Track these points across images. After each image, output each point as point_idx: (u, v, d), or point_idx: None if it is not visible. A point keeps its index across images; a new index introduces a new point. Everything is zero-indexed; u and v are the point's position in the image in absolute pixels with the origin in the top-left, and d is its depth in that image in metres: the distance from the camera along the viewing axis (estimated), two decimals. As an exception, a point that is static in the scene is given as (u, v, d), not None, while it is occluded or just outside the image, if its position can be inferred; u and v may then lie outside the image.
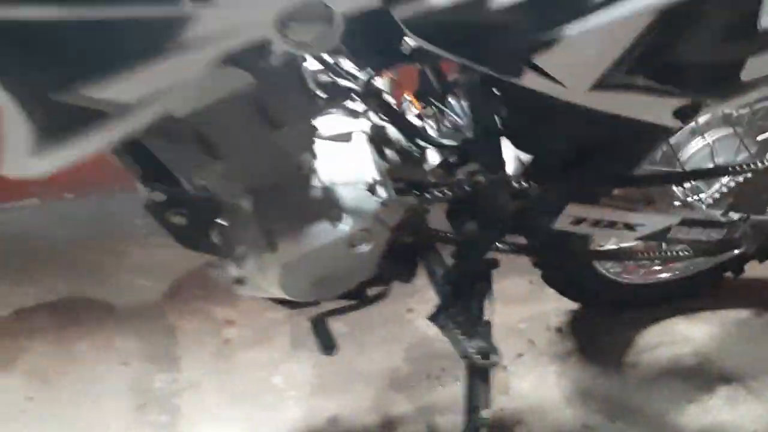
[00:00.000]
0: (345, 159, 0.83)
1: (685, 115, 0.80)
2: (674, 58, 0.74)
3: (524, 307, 1.42)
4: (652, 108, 0.79)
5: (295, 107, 0.73)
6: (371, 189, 0.81)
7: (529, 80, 0.71)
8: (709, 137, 1.15)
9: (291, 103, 0.72)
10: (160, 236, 0.85)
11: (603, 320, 1.42)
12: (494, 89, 0.82)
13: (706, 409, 1.22)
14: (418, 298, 1.36)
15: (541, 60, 0.69)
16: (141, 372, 1.25)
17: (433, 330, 1.27)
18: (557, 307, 1.44)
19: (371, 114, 0.88)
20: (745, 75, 0.76)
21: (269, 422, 1.17)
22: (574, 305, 1.43)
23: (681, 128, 0.99)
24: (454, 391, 1.24)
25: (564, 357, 1.34)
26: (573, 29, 0.66)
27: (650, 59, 0.72)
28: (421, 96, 0.95)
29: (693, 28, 0.71)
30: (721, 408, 1.23)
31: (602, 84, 0.73)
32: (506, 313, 1.31)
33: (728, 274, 1.43)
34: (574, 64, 0.70)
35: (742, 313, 1.46)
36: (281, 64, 0.66)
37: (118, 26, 0.56)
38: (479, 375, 0.96)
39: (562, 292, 1.36)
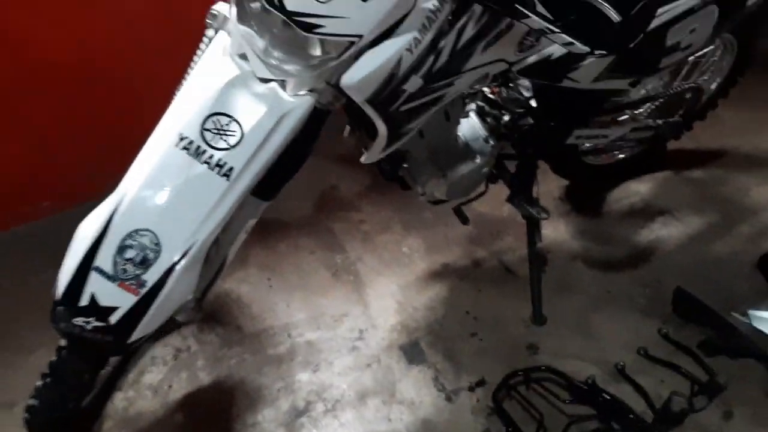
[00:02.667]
0: (469, 126, 1.64)
1: (633, 84, 1.64)
2: (629, 63, 1.56)
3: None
4: (619, 84, 1.61)
5: (458, 108, 1.52)
6: (486, 140, 1.63)
7: (564, 83, 1.51)
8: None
9: (457, 108, 1.51)
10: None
11: (588, 188, 2.31)
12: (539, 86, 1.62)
13: (652, 230, 2.13)
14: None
15: (571, 74, 1.49)
16: (324, 256, 2.07)
17: (484, 209, 2.15)
18: (557, 185, 2.31)
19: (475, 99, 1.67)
20: (661, 65, 1.59)
21: (409, 272, 2.02)
22: (567, 182, 2.31)
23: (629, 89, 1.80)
24: (509, 241, 2.12)
25: (567, 213, 2.22)
26: (586, 61, 1.46)
27: (619, 64, 1.53)
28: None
29: (634, 51, 1.51)
30: (660, 229, 2.14)
31: (597, 79, 1.54)
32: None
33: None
34: (586, 73, 1.50)
35: (669, 174, 2.37)
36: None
37: None
38: (535, 225, 1.82)
39: (561, 174, 2.22)
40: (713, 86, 2.18)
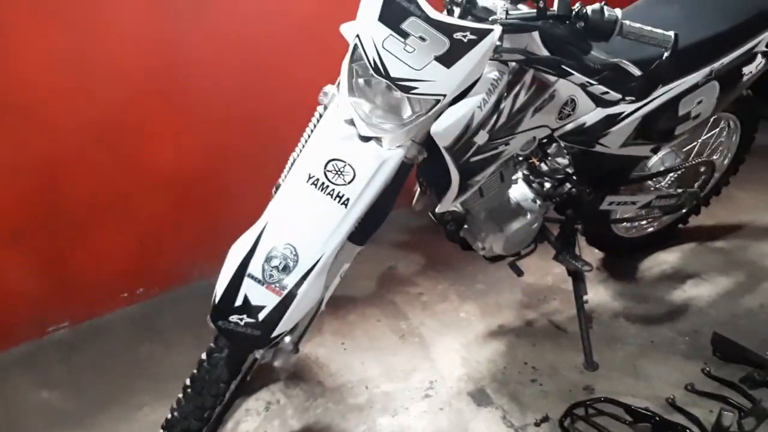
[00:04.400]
0: (519, 190, 1.94)
1: (655, 151, 1.96)
2: (655, 129, 1.88)
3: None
4: (642, 150, 1.93)
5: (510, 171, 1.83)
6: (534, 201, 1.93)
7: (596, 147, 1.83)
8: (660, 153, 2.29)
9: (509, 171, 1.82)
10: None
11: (620, 259, 2.57)
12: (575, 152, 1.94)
13: (684, 290, 2.36)
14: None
15: (602, 140, 1.81)
16: (390, 323, 2.31)
17: (530, 280, 2.40)
18: (593, 258, 2.57)
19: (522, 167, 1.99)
20: (677, 132, 1.92)
21: (468, 332, 2.25)
22: (602, 254, 2.57)
23: (651, 156, 2.12)
24: (556, 305, 2.35)
25: (605, 280, 2.46)
26: (615, 127, 1.78)
27: (641, 131, 1.85)
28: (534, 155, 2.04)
29: (654, 119, 1.85)
30: (691, 289, 2.37)
31: (623, 144, 1.86)
32: (570, 262, 2.43)
33: (680, 226, 2.61)
34: (615, 139, 1.82)
35: (693, 245, 2.63)
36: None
37: None
38: (580, 278, 2.07)
39: (597, 247, 2.49)
40: (725, 162, 2.49)
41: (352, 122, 1.46)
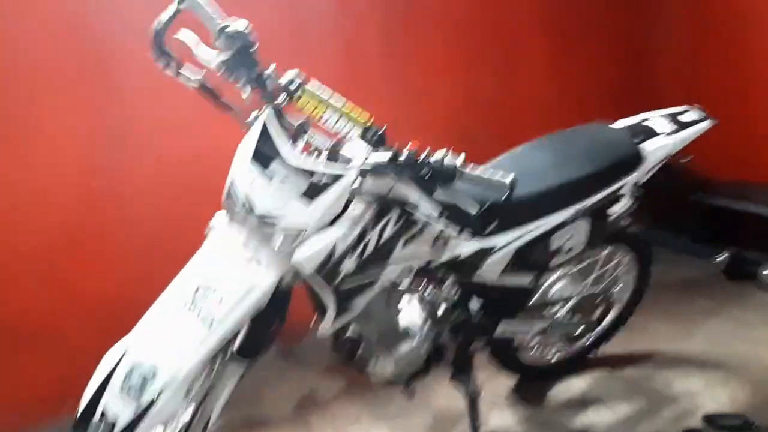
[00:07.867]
0: (410, 314, 2.08)
1: (536, 280, 2.12)
2: (530, 261, 2.05)
3: (489, 384, 2.62)
4: (522, 279, 2.09)
5: (397, 297, 1.98)
6: (422, 326, 2.06)
7: (475, 278, 1.99)
8: (558, 284, 2.44)
9: (396, 296, 1.97)
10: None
11: (532, 384, 2.66)
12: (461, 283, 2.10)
13: (587, 415, 2.44)
14: (433, 393, 2.56)
15: (479, 270, 1.97)
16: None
17: (444, 403, 2.50)
18: (505, 385, 2.67)
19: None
20: (552, 263, 2.09)
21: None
22: (513, 382, 2.67)
23: (539, 286, 2.28)
24: (462, 429, 2.42)
25: (513, 405, 2.55)
26: (489, 259, 1.96)
27: (517, 263, 2.02)
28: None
29: (527, 252, 2.02)
30: (592, 416, 2.44)
31: (503, 274, 2.02)
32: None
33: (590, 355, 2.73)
34: (491, 269, 1.99)
35: (603, 372, 2.74)
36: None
37: None
38: (474, 401, 2.17)
39: (507, 371, 2.60)
40: (626, 295, 2.65)
41: (231, 250, 1.63)
